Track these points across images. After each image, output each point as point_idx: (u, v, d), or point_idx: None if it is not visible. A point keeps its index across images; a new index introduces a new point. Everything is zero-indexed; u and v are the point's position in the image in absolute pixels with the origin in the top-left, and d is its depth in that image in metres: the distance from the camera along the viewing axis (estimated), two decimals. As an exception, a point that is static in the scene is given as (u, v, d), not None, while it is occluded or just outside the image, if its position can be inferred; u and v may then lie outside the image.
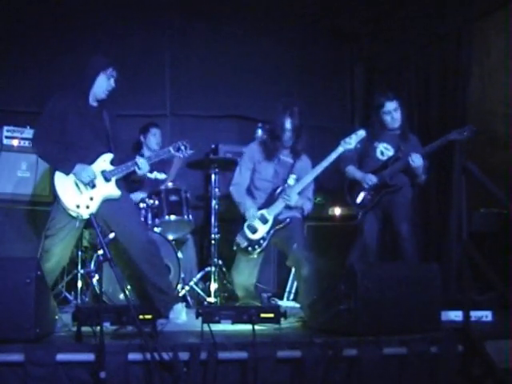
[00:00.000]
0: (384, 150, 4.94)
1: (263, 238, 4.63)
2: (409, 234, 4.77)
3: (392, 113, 4.90)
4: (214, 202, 5.39)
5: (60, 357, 3.07)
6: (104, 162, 4.22)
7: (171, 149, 4.37)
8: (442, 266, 3.94)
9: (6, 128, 5.40)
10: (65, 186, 4.12)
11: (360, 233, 4.95)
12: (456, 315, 4.20)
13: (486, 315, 4.36)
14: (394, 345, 3.44)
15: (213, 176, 5.44)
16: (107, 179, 4.19)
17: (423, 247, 5.50)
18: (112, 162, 4.25)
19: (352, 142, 4.63)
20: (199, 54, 6.57)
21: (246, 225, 4.66)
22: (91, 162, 4.18)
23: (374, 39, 6.85)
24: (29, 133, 5.43)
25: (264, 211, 4.66)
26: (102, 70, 4.21)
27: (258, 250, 4.64)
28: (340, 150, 4.63)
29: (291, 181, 4.71)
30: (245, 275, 4.74)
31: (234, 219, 4.92)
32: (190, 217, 5.26)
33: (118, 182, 4.25)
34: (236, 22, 6.63)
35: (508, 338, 3.61)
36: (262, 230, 4.64)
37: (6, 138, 5.38)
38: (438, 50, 5.98)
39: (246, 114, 6.62)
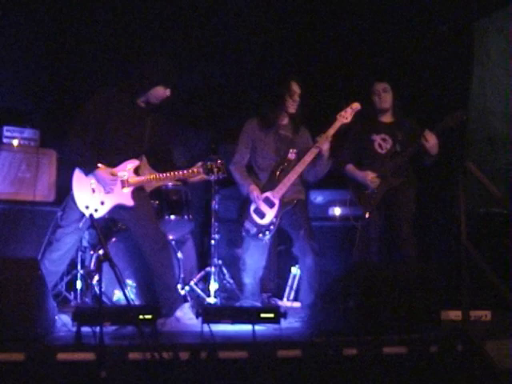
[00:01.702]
0: (382, 143, 4.86)
1: (272, 223, 4.61)
2: (408, 236, 4.73)
3: (381, 93, 4.84)
4: (213, 202, 5.39)
5: (60, 357, 3.08)
6: (128, 169, 4.17)
7: (201, 170, 4.18)
8: (441, 265, 3.94)
9: (5, 128, 5.40)
10: (81, 183, 4.11)
11: (365, 233, 4.90)
12: (456, 315, 4.20)
13: (486, 315, 4.37)
14: (394, 344, 3.45)
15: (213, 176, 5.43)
16: (124, 187, 4.15)
17: (423, 247, 5.49)
18: (136, 170, 4.20)
19: (348, 115, 4.59)
20: (200, 54, 6.57)
21: (252, 209, 4.64)
22: (115, 166, 4.14)
23: (372, 39, 6.84)
24: (29, 133, 5.43)
25: (269, 194, 4.62)
26: (163, 84, 4.13)
27: (269, 236, 4.63)
28: (337, 124, 4.59)
29: (292, 156, 4.70)
30: (255, 257, 4.73)
31: (234, 219, 4.91)
32: (190, 217, 5.25)
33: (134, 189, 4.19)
34: (235, 24, 6.62)
35: (508, 337, 3.62)
36: (270, 214, 4.60)
37: (6, 137, 5.38)
38: (438, 49, 5.98)
39: (247, 114, 6.61)
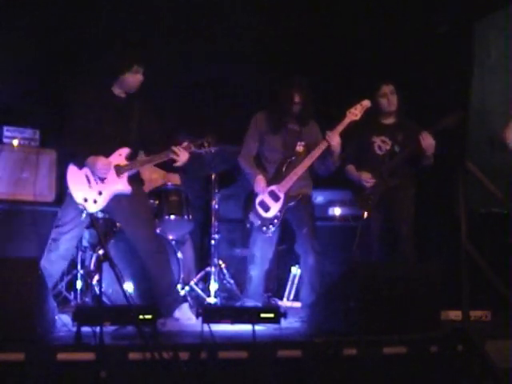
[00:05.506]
0: (382, 144, 4.86)
1: (276, 217, 4.61)
2: (408, 235, 4.73)
3: (388, 95, 4.83)
4: (213, 202, 5.39)
5: (60, 357, 3.08)
6: (119, 156, 4.19)
7: (191, 145, 4.27)
8: (441, 265, 3.94)
9: (5, 128, 5.40)
10: (76, 178, 4.14)
11: (364, 232, 4.90)
12: (456, 315, 4.20)
13: (486, 315, 4.37)
14: (394, 344, 3.45)
15: (213, 176, 5.44)
16: (119, 174, 4.17)
17: (423, 247, 5.49)
18: (129, 157, 4.22)
19: (358, 112, 4.62)
20: (202, 56, 6.56)
21: (257, 201, 4.64)
22: (107, 156, 4.16)
23: (372, 38, 6.84)
24: (29, 133, 5.43)
25: (274, 187, 4.63)
26: (126, 70, 4.17)
27: (273, 229, 4.64)
28: (347, 121, 4.62)
29: (300, 148, 4.71)
30: (264, 249, 4.73)
31: (234, 219, 4.92)
32: (190, 217, 5.25)
33: (130, 178, 4.21)
34: (238, 21, 6.61)
35: (508, 337, 3.62)
36: (275, 208, 4.61)
37: (6, 137, 5.38)
38: (438, 49, 5.98)
39: (247, 115, 6.60)
